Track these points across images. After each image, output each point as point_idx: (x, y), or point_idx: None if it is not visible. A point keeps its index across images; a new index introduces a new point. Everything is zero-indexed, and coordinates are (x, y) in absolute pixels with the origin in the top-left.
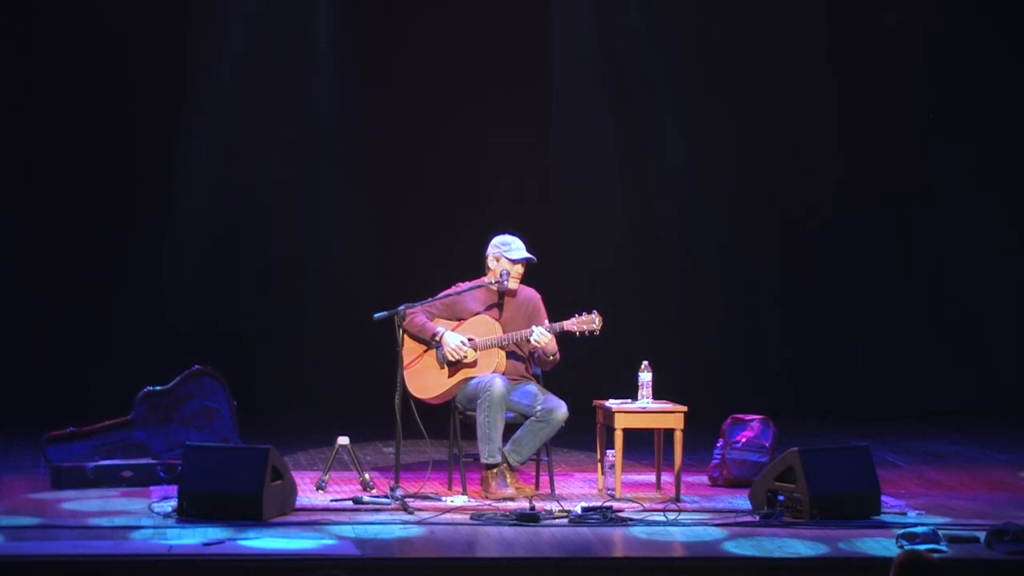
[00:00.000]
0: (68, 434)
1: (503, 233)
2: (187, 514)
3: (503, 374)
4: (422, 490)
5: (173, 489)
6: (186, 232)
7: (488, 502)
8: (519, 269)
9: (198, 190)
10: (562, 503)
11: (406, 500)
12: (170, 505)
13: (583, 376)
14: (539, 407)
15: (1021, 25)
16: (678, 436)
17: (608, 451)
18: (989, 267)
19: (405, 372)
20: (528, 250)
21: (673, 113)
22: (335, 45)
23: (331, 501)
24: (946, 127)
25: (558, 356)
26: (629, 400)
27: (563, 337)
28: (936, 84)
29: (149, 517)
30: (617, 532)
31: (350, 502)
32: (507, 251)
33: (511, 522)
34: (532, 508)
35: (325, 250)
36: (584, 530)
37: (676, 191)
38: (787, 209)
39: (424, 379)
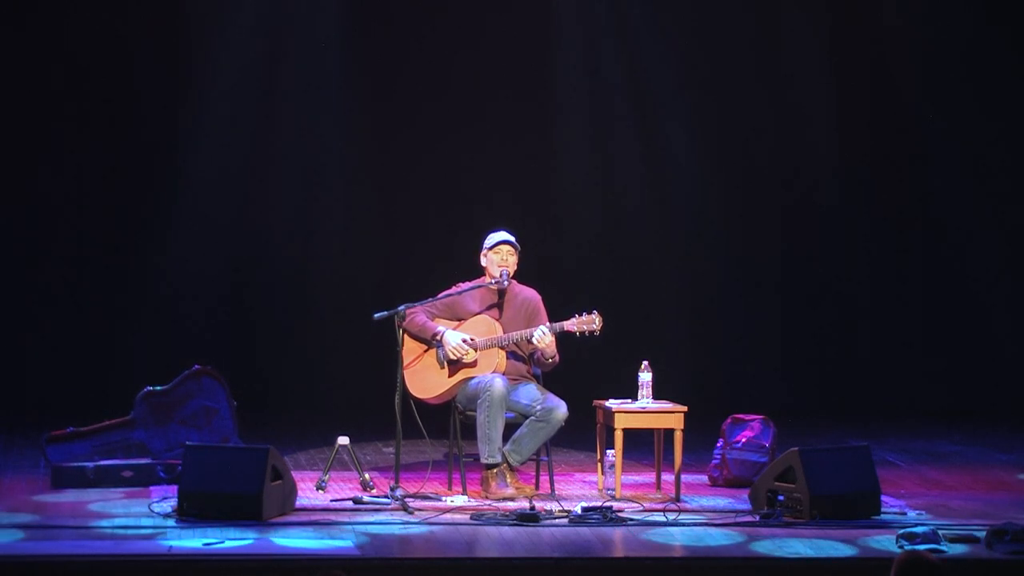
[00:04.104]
0: (68, 434)
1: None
2: (187, 514)
3: (503, 374)
4: (422, 490)
5: (173, 489)
6: (187, 232)
7: (488, 502)
8: (501, 258)
9: (199, 190)
10: (562, 503)
11: (406, 500)
12: (170, 505)
13: (583, 376)
14: (539, 407)
15: (1021, 22)
16: (678, 436)
17: (608, 451)
18: (989, 266)
19: (405, 372)
20: (510, 233)
21: (673, 113)
22: (338, 46)
23: (331, 501)
24: (946, 125)
25: (557, 359)
26: (629, 400)
27: (563, 337)
28: (936, 81)
29: (149, 517)
30: (617, 532)
31: (350, 502)
32: (487, 244)
33: (511, 522)
34: (532, 508)
35: (325, 250)
36: (584, 530)
37: (675, 191)
38: (786, 209)
39: (424, 379)
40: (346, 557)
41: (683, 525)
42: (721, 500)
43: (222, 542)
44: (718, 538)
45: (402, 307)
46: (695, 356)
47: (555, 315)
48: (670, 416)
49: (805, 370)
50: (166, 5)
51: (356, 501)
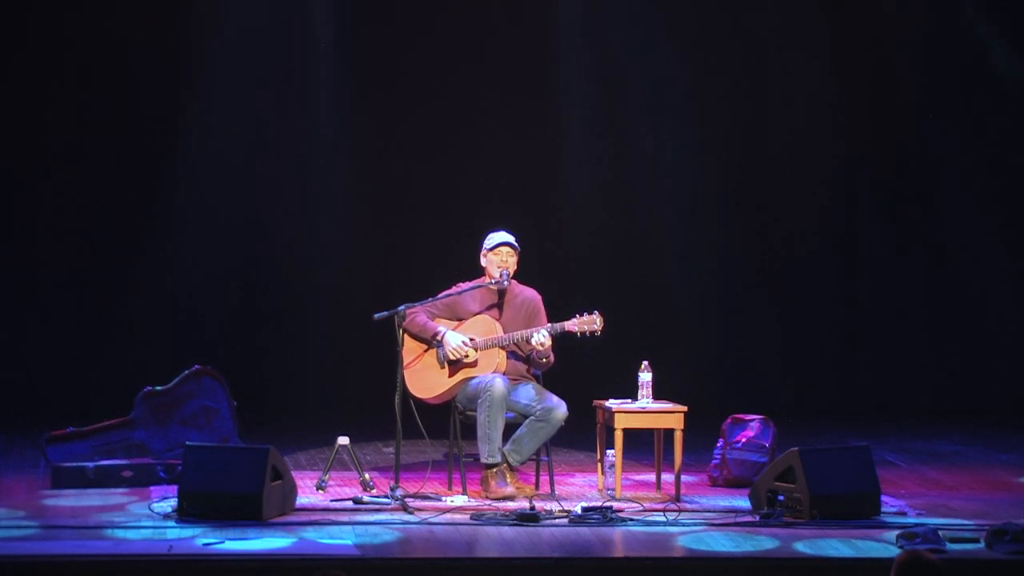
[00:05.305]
0: (68, 434)
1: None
2: (187, 514)
3: (503, 374)
4: (422, 490)
5: (173, 489)
6: (187, 233)
7: (488, 502)
8: (500, 259)
9: (199, 190)
10: (562, 503)
11: (406, 500)
12: (170, 505)
13: (583, 376)
14: (539, 407)
15: (1020, 19)
16: (678, 436)
17: (608, 451)
18: (990, 266)
19: (405, 372)
20: (510, 234)
21: (673, 113)
22: (339, 46)
23: (331, 501)
24: (946, 125)
25: (552, 359)
26: (629, 400)
27: (563, 337)
28: (936, 81)
29: (149, 517)
30: (617, 532)
31: (350, 502)
32: (487, 245)
33: (511, 522)
34: (532, 508)
35: (326, 250)
36: (584, 530)
37: (676, 191)
38: (786, 209)
39: (424, 379)
40: (346, 557)
41: (683, 525)
42: (721, 500)
43: (222, 542)
44: (718, 538)
45: (402, 307)
46: (695, 356)
47: (556, 315)
48: (670, 416)
49: (805, 370)
50: (166, 5)
51: (356, 501)
